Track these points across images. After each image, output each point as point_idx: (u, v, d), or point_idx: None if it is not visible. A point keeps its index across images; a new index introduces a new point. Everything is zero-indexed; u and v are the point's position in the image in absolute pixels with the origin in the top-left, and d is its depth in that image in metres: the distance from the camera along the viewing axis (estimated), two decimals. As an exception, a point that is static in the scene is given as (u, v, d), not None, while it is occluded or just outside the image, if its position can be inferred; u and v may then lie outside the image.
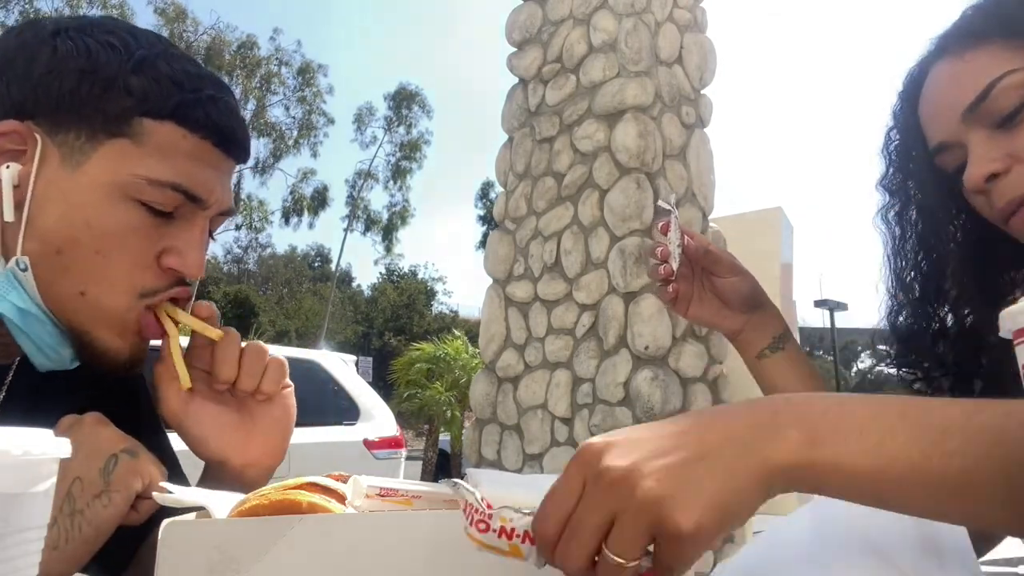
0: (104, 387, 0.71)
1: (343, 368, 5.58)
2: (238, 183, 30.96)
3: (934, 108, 0.79)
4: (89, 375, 0.68)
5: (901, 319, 0.89)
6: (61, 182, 0.61)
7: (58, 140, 0.61)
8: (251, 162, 30.70)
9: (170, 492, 0.54)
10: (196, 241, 0.66)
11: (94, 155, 0.61)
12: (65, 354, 0.66)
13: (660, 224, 0.88)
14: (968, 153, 0.74)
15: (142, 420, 0.76)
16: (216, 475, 0.72)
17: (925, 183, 0.84)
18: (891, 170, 0.89)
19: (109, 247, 0.61)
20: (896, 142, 0.88)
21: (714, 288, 0.97)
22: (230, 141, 0.67)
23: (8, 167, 0.60)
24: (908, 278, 0.88)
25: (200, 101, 0.64)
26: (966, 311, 0.84)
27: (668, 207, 0.88)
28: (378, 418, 5.42)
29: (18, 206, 0.60)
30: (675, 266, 0.85)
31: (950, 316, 0.85)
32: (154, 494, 0.55)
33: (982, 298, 0.80)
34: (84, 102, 0.61)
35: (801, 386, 0.94)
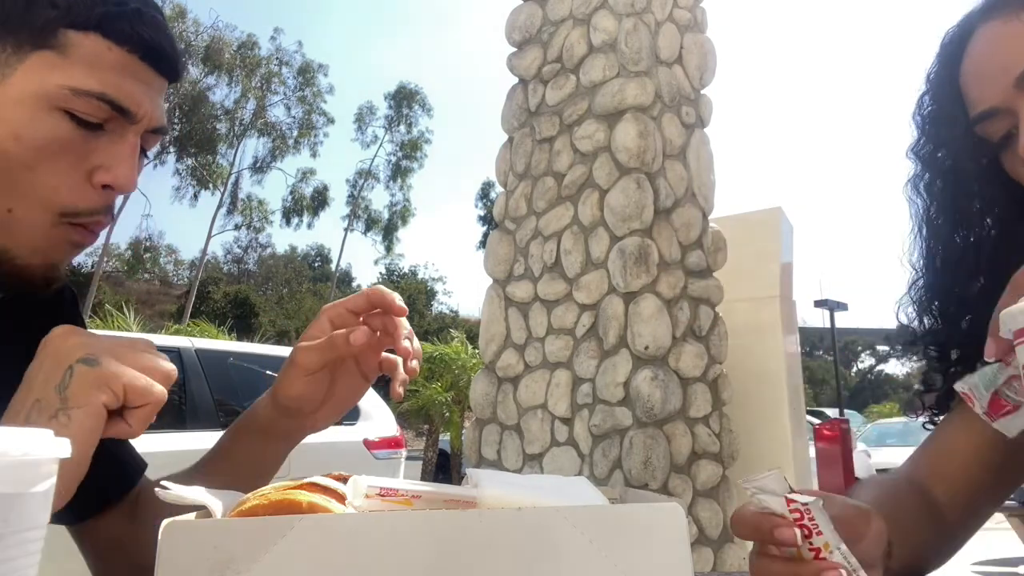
0: (30, 308, 0.70)
1: None
2: (237, 182, 30.98)
3: (981, 71, 0.73)
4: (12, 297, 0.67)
5: (928, 293, 0.83)
6: None
7: None
8: (250, 160, 30.71)
9: (169, 490, 0.54)
10: (126, 155, 0.64)
11: (20, 67, 0.60)
12: None
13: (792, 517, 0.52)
14: (1020, 121, 0.69)
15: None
16: (266, 419, 0.74)
17: (961, 152, 0.78)
18: (923, 138, 0.83)
19: (38, 161, 0.60)
20: (930, 108, 0.82)
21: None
22: (157, 56, 0.66)
23: None
24: (938, 251, 0.83)
25: (125, 14, 0.63)
26: (998, 287, 0.78)
27: (802, 502, 0.51)
28: (378, 418, 5.42)
29: None
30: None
31: (980, 291, 0.79)
32: (156, 490, 0.54)
33: None
34: (9, 15, 0.60)
35: None
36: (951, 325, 0.81)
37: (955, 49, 0.76)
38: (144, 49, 0.64)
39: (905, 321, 0.87)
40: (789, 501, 0.50)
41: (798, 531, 0.50)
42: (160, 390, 0.56)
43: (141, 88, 0.65)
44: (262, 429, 0.76)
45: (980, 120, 0.73)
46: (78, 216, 0.63)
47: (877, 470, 9.45)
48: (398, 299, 0.70)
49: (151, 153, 0.72)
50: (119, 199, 0.69)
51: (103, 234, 0.69)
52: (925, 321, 0.84)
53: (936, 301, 0.83)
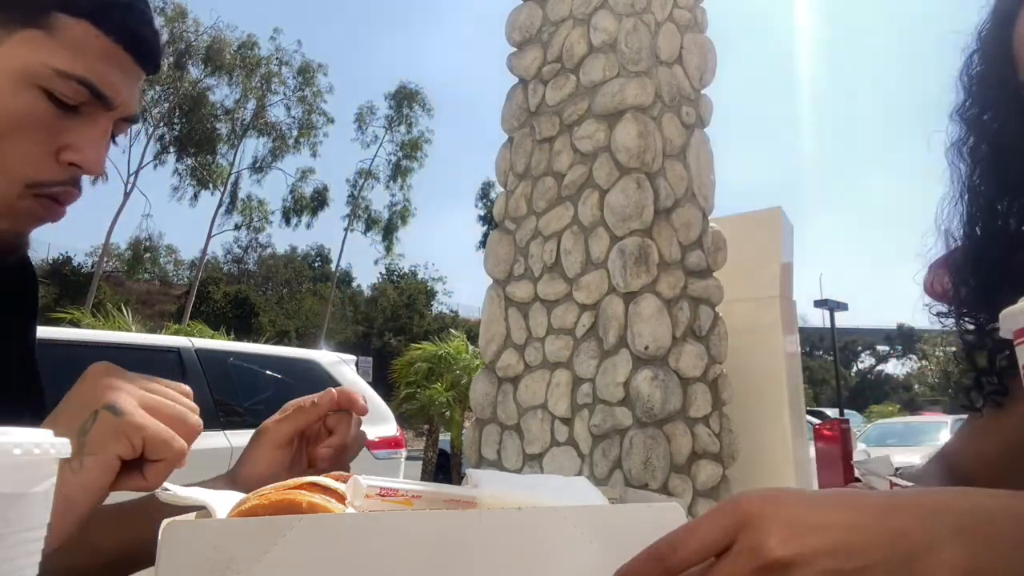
0: None
1: (343, 368, 5.57)
2: (236, 182, 30.97)
3: None
4: None
5: (967, 262, 0.79)
6: None
7: None
8: (250, 161, 30.71)
9: (169, 491, 0.54)
10: (97, 138, 0.66)
11: (7, 42, 0.62)
12: None
13: None
14: None
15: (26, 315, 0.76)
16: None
17: (1010, 116, 0.74)
18: (969, 100, 0.79)
19: (7, 131, 0.62)
20: (979, 68, 0.77)
21: None
22: (141, 49, 0.68)
23: None
24: (979, 219, 0.78)
25: (117, 5, 0.65)
26: None
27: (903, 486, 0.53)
28: (378, 418, 5.42)
29: None
30: None
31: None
32: (157, 493, 0.54)
33: None
34: None
35: None
36: (991, 296, 0.76)
37: (1011, 6, 0.72)
38: (129, 40, 0.66)
39: (940, 290, 0.83)
40: (892, 484, 0.50)
41: None
42: (180, 445, 0.57)
43: (121, 77, 0.67)
44: None
45: None
46: (42, 187, 0.64)
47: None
48: (361, 400, 0.76)
49: (118, 139, 0.74)
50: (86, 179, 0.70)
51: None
52: (962, 292, 0.80)
53: (976, 271, 0.78)
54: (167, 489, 0.54)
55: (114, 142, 0.72)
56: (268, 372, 5.10)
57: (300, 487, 0.52)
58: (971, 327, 0.79)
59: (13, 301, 0.75)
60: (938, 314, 0.82)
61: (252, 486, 0.71)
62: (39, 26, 0.62)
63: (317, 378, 5.24)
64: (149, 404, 0.57)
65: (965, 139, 0.80)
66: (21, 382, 0.75)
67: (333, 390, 0.75)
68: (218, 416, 4.57)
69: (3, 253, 0.66)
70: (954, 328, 0.81)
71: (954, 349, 0.83)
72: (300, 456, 0.76)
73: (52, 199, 0.65)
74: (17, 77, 0.61)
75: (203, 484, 0.67)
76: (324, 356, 5.77)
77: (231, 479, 0.73)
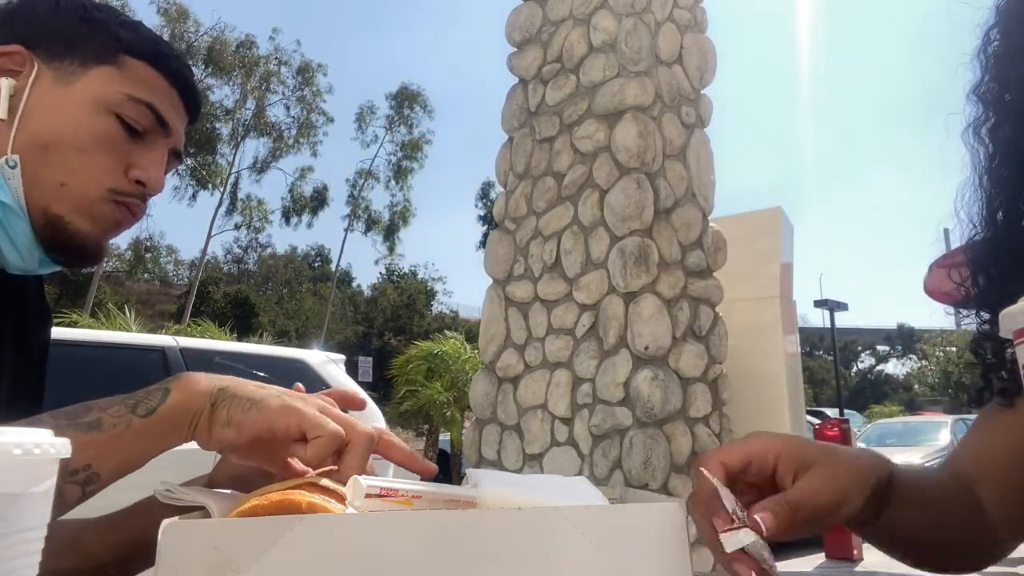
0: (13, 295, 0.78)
1: (331, 367, 5.55)
2: (236, 182, 30.99)
3: None
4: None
5: (986, 249, 0.75)
6: (53, 95, 0.72)
7: (53, 66, 0.73)
8: (250, 161, 30.73)
9: (168, 491, 0.54)
10: (157, 160, 0.77)
11: (84, 77, 0.73)
12: (36, 255, 0.73)
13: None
14: None
15: (28, 328, 0.82)
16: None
17: None
18: (987, 77, 0.75)
19: (89, 147, 0.72)
20: (997, 43, 0.74)
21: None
22: (188, 94, 0.80)
23: (6, 79, 0.71)
24: (1001, 204, 0.75)
25: (172, 56, 0.78)
26: None
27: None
28: (368, 418, 5.39)
29: (12, 112, 0.71)
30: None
31: None
32: (153, 490, 0.54)
33: None
34: (78, 38, 0.74)
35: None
36: (1011, 286, 0.72)
37: None
38: (181, 84, 0.79)
39: (958, 280, 0.79)
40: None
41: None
42: (335, 427, 0.61)
43: (175, 113, 0.79)
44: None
45: None
46: (121, 195, 0.74)
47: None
48: (359, 395, 0.79)
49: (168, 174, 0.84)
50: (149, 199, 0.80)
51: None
52: (980, 281, 0.77)
53: (997, 258, 0.75)
54: (168, 490, 0.54)
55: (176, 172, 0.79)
56: (255, 372, 5.08)
57: (300, 487, 0.52)
58: (988, 316, 0.76)
59: (13, 303, 0.80)
60: (954, 304, 0.79)
61: (227, 488, 0.72)
62: (110, 63, 0.74)
63: (305, 378, 5.23)
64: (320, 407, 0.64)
65: (984, 119, 0.76)
66: (37, 385, 0.82)
67: (330, 390, 0.76)
68: None
69: (91, 254, 0.75)
70: (969, 318, 0.78)
71: (954, 348, 0.80)
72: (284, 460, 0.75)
73: (126, 207, 0.75)
74: (95, 104, 0.72)
75: (183, 485, 0.68)
76: (313, 355, 5.74)
77: (210, 480, 0.75)
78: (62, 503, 0.52)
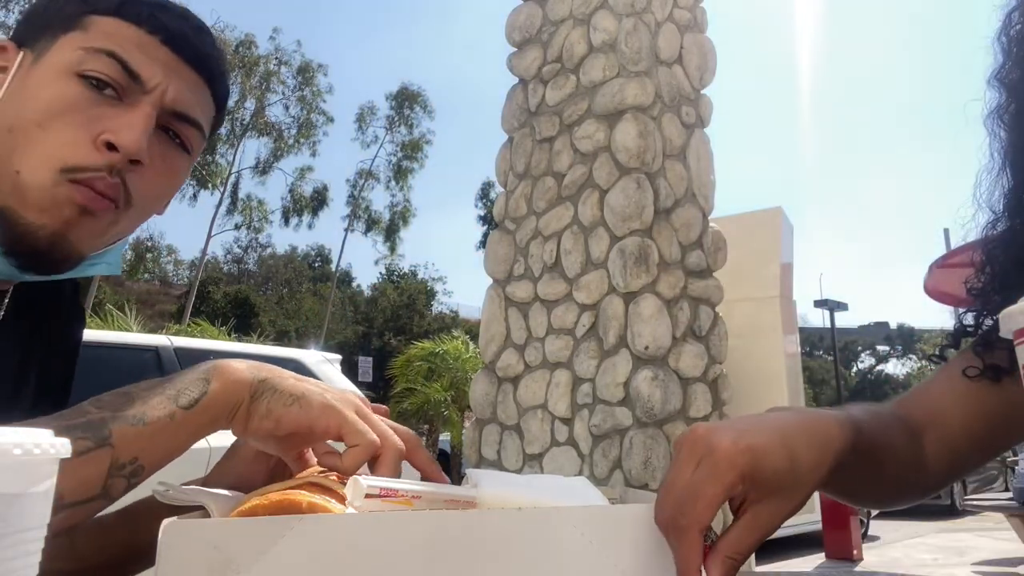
0: (30, 296, 0.72)
1: (327, 367, 5.55)
2: (236, 183, 30.97)
3: None
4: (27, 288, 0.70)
5: (1009, 238, 0.73)
6: (25, 77, 0.65)
7: (35, 50, 0.67)
8: (250, 161, 30.73)
9: (167, 490, 0.54)
10: (136, 120, 0.65)
11: (52, 48, 0.66)
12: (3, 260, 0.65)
13: None
14: None
15: (54, 337, 0.77)
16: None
17: None
18: (1008, 62, 0.73)
19: (48, 120, 0.63)
20: (1019, 25, 0.72)
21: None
22: (181, 41, 0.68)
23: None
24: (1021, 191, 0.73)
25: (143, 3, 0.67)
26: None
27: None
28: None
29: None
30: None
31: None
32: (152, 490, 0.54)
33: None
34: (50, 20, 0.67)
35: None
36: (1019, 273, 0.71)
37: None
38: (164, 32, 0.67)
39: (978, 266, 0.77)
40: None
41: None
42: (373, 437, 0.59)
43: (157, 65, 0.67)
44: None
45: None
46: (77, 172, 0.63)
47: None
48: (358, 393, 0.75)
49: (192, 146, 0.72)
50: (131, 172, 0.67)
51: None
52: (999, 269, 0.75)
53: (1017, 247, 0.73)
54: (166, 489, 0.54)
55: (184, 149, 0.71)
56: None
57: (300, 487, 0.52)
58: (998, 301, 0.74)
59: (48, 311, 0.77)
60: (970, 290, 0.77)
61: (226, 488, 0.71)
62: (75, 28, 0.66)
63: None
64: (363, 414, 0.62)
65: (1007, 105, 0.74)
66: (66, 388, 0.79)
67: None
68: None
69: (46, 251, 0.64)
70: (971, 316, 0.77)
71: (954, 349, 0.80)
72: (281, 466, 0.73)
73: (90, 187, 0.64)
74: (57, 71, 0.64)
75: (183, 484, 0.68)
76: (309, 355, 5.73)
77: (205, 482, 0.73)
78: (107, 497, 0.51)
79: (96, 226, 0.65)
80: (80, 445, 0.48)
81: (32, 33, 0.67)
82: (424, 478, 0.64)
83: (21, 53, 0.66)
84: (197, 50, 0.70)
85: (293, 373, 0.61)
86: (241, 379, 0.58)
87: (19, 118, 0.63)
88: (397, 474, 0.59)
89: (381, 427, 0.61)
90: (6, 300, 0.71)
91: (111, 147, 0.64)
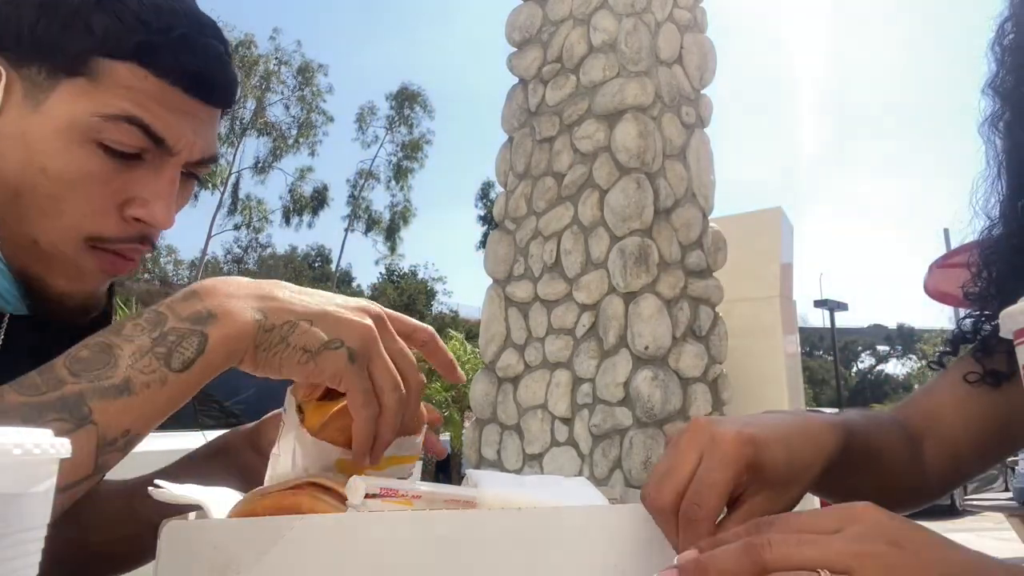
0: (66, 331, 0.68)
1: None
2: (237, 183, 30.97)
3: None
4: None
5: (1005, 244, 0.74)
6: (22, 120, 0.58)
7: (22, 73, 0.58)
8: (251, 161, 30.73)
9: (163, 489, 0.54)
10: (163, 190, 0.61)
11: (53, 94, 0.58)
12: (23, 303, 0.62)
13: None
14: None
15: None
16: (244, 462, 0.72)
17: None
18: (1002, 71, 0.73)
19: (63, 192, 0.58)
20: (1013, 35, 0.72)
21: None
22: (205, 85, 0.62)
23: None
24: (1020, 197, 0.73)
25: (167, 44, 0.59)
26: None
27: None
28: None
29: None
30: None
31: None
32: (149, 489, 0.54)
33: None
34: (42, 38, 0.57)
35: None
36: (1016, 280, 0.71)
37: None
38: (188, 80, 0.60)
39: (974, 272, 0.78)
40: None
41: None
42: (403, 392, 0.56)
43: (183, 119, 0.61)
44: (238, 467, 0.73)
45: None
46: (106, 243, 0.61)
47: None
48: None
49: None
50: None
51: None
52: (994, 274, 0.76)
53: (1013, 253, 0.73)
54: (160, 487, 0.54)
55: (197, 181, 0.69)
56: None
57: (300, 487, 0.52)
58: (997, 305, 0.74)
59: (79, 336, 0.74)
60: (967, 295, 0.77)
61: (230, 479, 0.69)
62: (82, 74, 0.57)
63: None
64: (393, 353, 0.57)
65: (1000, 113, 0.74)
66: None
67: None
68: (196, 415, 4.53)
69: (79, 313, 0.63)
70: (970, 319, 0.77)
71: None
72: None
73: (116, 255, 0.62)
74: (68, 135, 0.57)
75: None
76: None
77: (252, 444, 0.73)
78: (101, 471, 0.46)
79: (121, 276, 0.65)
80: (58, 427, 0.43)
81: (12, 46, 0.58)
82: (443, 375, 0.63)
83: (4, 72, 0.58)
84: (223, 89, 0.64)
85: (305, 300, 0.54)
86: (244, 332, 0.51)
87: (29, 183, 0.57)
88: (395, 431, 0.56)
89: (387, 376, 0.55)
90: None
91: (139, 219, 0.61)
